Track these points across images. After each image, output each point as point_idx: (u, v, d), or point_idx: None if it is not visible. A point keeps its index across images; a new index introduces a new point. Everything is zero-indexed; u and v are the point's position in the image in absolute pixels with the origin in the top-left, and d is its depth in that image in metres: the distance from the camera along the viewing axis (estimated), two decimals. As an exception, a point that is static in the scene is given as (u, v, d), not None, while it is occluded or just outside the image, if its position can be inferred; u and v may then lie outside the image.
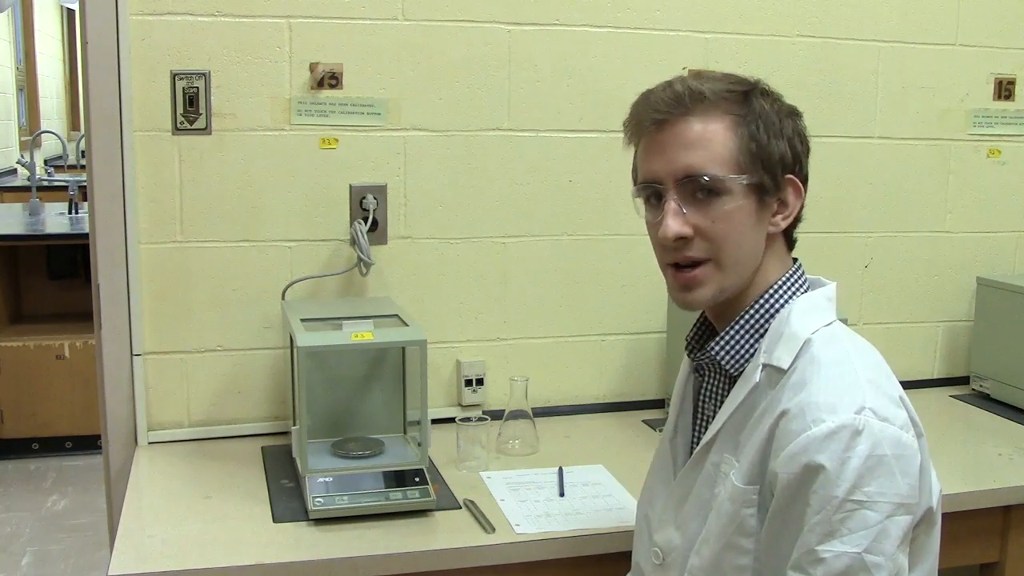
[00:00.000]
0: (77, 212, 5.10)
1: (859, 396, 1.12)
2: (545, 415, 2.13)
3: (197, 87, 1.94)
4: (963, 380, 2.50)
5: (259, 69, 1.97)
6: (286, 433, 1.98)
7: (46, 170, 6.82)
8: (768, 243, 1.25)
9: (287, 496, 1.74)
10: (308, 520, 1.64)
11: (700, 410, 1.34)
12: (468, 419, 1.91)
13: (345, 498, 1.65)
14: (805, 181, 1.26)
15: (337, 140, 2.04)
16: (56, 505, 4.03)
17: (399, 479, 1.70)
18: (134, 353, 1.98)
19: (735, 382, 1.26)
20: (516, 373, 2.06)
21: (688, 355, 1.36)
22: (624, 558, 1.53)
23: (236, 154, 1.99)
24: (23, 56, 7.50)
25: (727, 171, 1.18)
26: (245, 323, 2.04)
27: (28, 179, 5.61)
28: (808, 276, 1.29)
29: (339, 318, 1.82)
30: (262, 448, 1.99)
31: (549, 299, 2.21)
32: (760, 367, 1.21)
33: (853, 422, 1.10)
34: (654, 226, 1.23)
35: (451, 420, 1.97)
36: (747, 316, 1.25)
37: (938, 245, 2.47)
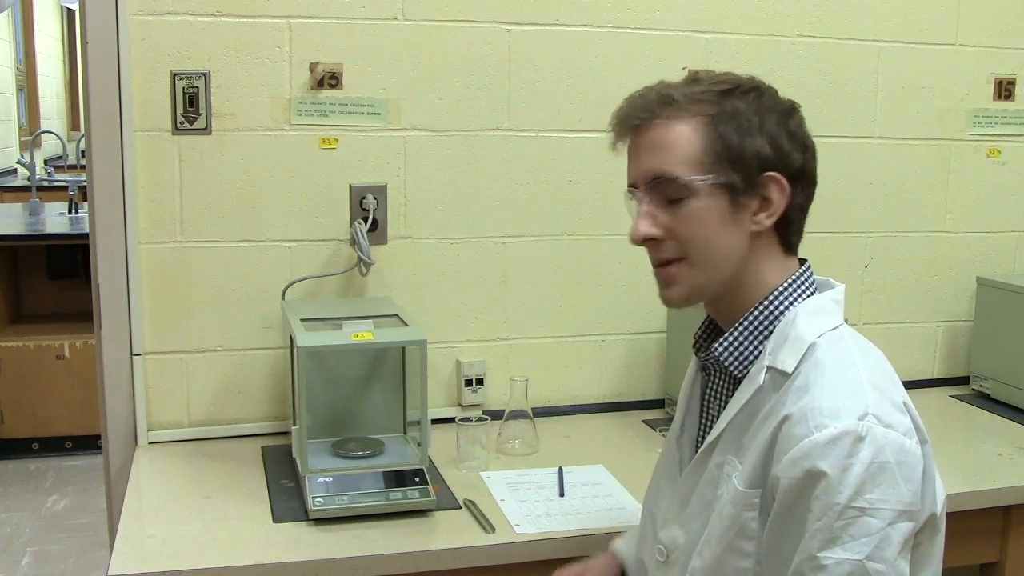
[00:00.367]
0: (77, 212, 5.10)
1: (862, 402, 1.12)
2: (545, 415, 2.13)
3: (197, 87, 1.94)
4: (963, 380, 2.50)
5: (259, 69, 1.97)
6: (286, 433, 1.98)
7: (46, 170, 6.82)
8: (756, 242, 1.23)
9: (287, 496, 1.74)
10: (308, 520, 1.64)
11: (705, 410, 1.34)
12: (468, 419, 1.91)
13: (345, 498, 1.65)
14: (797, 178, 1.22)
15: (337, 140, 2.04)
16: (56, 505, 4.03)
17: (399, 479, 1.70)
18: (134, 353, 1.98)
19: (739, 383, 1.26)
20: (516, 373, 2.06)
21: (695, 354, 1.36)
22: (624, 558, 1.53)
23: (236, 154, 1.99)
24: (23, 56, 7.50)
25: (693, 172, 1.20)
26: (245, 323, 2.04)
27: (28, 179, 5.61)
28: (817, 277, 1.28)
29: (339, 318, 1.82)
30: (262, 448, 1.99)
31: (549, 299, 2.22)
32: (764, 369, 1.21)
33: (856, 428, 1.09)
34: None
35: (451, 420, 1.97)
36: (751, 317, 1.24)
37: (938, 245, 2.47)
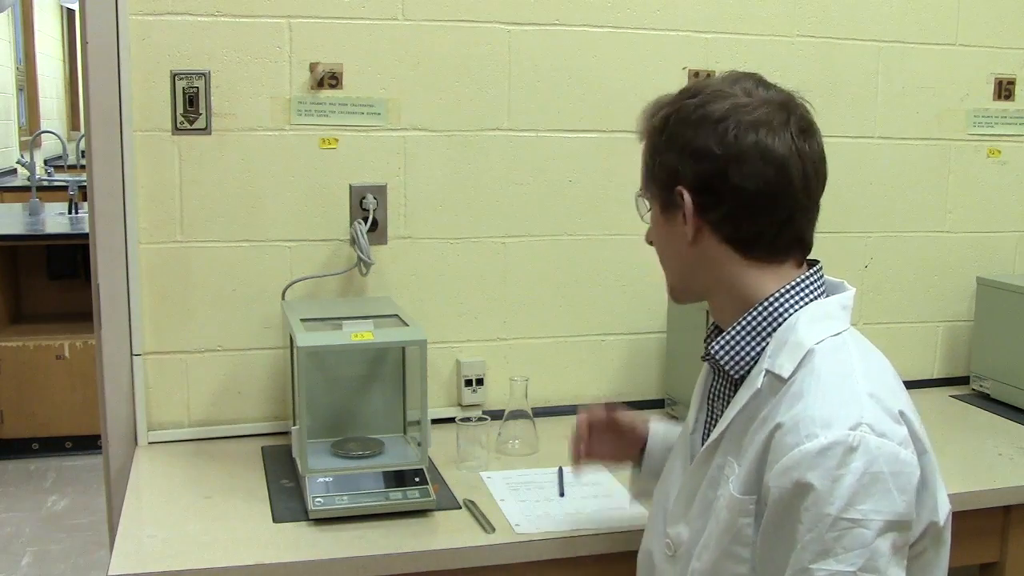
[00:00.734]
0: (77, 212, 5.10)
1: (856, 411, 1.11)
2: (545, 415, 2.13)
3: (197, 87, 1.94)
4: (963, 380, 2.49)
5: (259, 69, 1.97)
6: (286, 433, 1.98)
7: (46, 170, 6.82)
8: (709, 251, 1.23)
9: (287, 496, 1.74)
10: (308, 520, 1.64)
11: (710, 408, 1.35)
12: (468, 419, 1.91)
13: (345, 498, 1.65)
14: (706, 190, 1.20)
15: (337, 140, 2.04)
16: (56, 505, 4.03)
17: (399, 479, 1.70)
18: (134, 353, 1.98)
19: (740, 385, 1.26)
20: (516, 373, 2.06)
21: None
22: (624, 558, 1.53)
23: (236, 154, 1.99)
24: (23, 56, 7.50)
25: (641, 188, 1.32)
26: (245, 323, 2.04)
27: (28, 179, 5.62)
28: (830, 279, 1.27)
29: (339, 318, 1.82)
30: (262, 448, 1.99)
31: (549, 299, 2.22)
32: (763, 372, 1.20)
33: (847, 438, 1.08)
34: None
35: (451, 420, 1.97)
36: (745, 320, 1.24)
37: (938, 245, 2.47)
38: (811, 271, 1.26)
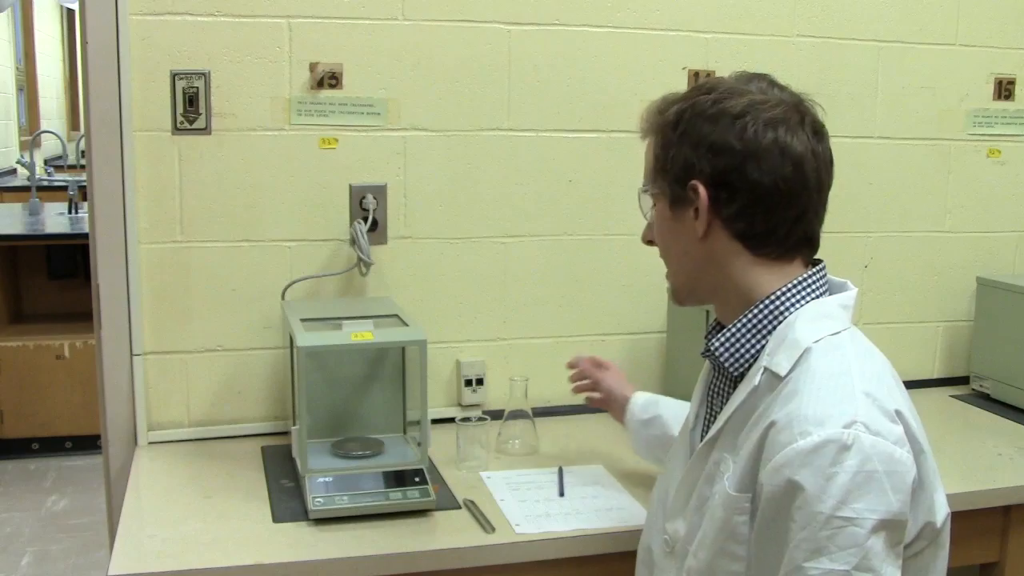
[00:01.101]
0: (77, 212, 5.10)
1: (850, 409, 1.11)
2: (545, 415, 2.13)
3: (197, 87, 1.94)
4: (963, 380, 2.50)
5: (259, 69, 1.97)
6: (286, 433, 1.98)
7: (46, 170, 6.82)
8: (718, 248, 1.24)
9: (287, 496, 1.74)
10: (308, 520, 1.64)
11: (709, 405, 1.35)
12: (468, 419, 1.91)
13: (345, 498, 1.65)
14: (723, 185, 1.20)
15: (337, 140, 2.04)
16: (56, 505, 4.03)
17: (399, 479, 1.70)
18: (134, 353, 1.98)
19: (738, 382, 1.26)
20: (516, 373, 2.06)
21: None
22: (624, 558, 1.53)
23: (236, 154, 1.99)
24: (23, 56, 7.50)
25: (647, 183, 1.31)
26: (245, 323, 2.04)
27: (28, 179, 5.62)
28: (833, 279, 1.27)
29: (339, 318, 1.82)
30: (262, 448, 1.99)
31: (549, 299, 2.22)
32: (761, 370, 1.21)
33: (840, 436, 1.08)
34: None
35: (451, 420, 1.97)
36: (747, 317, 1.24)
37: (938, 245, 2.47)
38: (814, 270, 1.26)
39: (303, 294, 2.05)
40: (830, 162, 1.27)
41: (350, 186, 2.05)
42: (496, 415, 2.01)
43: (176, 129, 1.95)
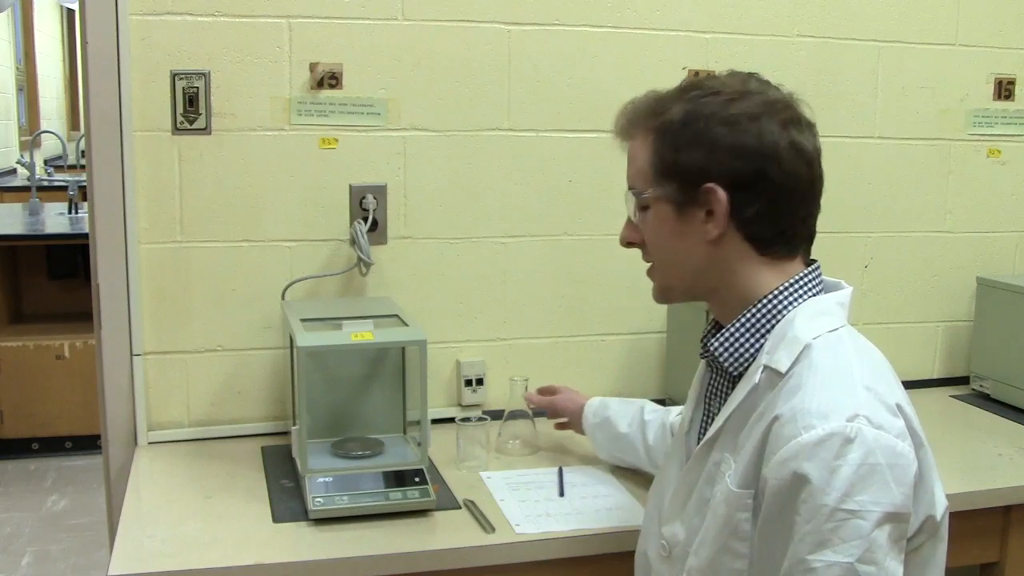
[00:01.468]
0: (77, 212, 5.10)
1: (853, 403, 1.11)
2: (545, 415, 2.13)
3: (197, 87, 1.94)
4: (963, 380, 2.50)
5: (259, 69, 1.97)
6: (286, 433, 1.98)
7: (46, 170, 6.83)
8: (724, 249, 1.23)
9: (287, 496, 1.74)
10: (308, 520, 1.64)
11: (707, 406, 1.35)
12: (468, 419, 1.91)
13: (345, 498, 1.65)
14: (742, 187, 1.20)
15: (337, 140, 2.04)
16: (56, 505, 4.03)
17: (399, 479, 1.70)
18: (134, 353, 1.98)
19: (738, 381, 1.26)
20: (516, 373, 2.06)
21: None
22: (624, 558, 1.53)
23: (236, 154, 1.99)
24: (23, 56, 7.50)
25: (644, 185, 1.27)
26: (245, 323, 2.04)
27: (28, 179, 5.62)
28: (827, 279, 1.28)
29: (339, 318, 1.82)
30: (262, 448, 1.99)
31: (549, 299, 2.22)
32: (761, 368, 1.21)
33: (844, 430, 1.09)
34: None
35: (451, 420, 1.97)
36: (745, 316, 1.25)
37: (938, 245, 2.47)
38: (810, 269, 1.27)
39: (303, 294, 2.05)
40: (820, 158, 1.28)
41: (350, 186, 2.05)
42: (496, 415, 2.01)
43: (176, 129, 1.95)
